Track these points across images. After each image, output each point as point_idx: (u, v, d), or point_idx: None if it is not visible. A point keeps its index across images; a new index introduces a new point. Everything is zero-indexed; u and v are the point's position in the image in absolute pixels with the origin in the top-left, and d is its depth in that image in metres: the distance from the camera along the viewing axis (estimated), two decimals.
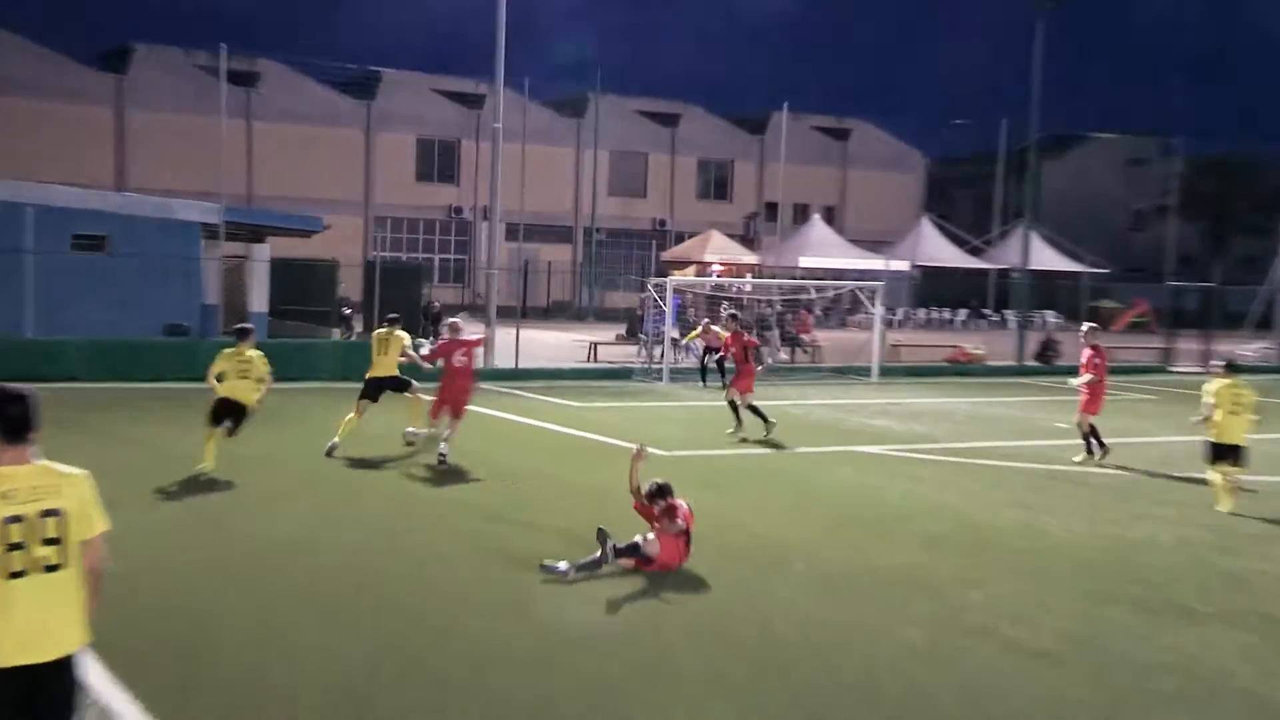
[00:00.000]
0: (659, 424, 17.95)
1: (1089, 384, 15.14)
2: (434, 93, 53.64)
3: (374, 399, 14.38)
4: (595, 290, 50.45)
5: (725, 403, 16.72)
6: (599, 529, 9.02)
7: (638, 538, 8.99)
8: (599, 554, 8.83)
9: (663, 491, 9.17)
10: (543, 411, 18.74)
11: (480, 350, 14.96)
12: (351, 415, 14.05)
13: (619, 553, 8.87)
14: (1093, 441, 15.03)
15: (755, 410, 16.30)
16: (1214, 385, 12.27)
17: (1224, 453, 12.20)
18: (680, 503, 9.15)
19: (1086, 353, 15.33)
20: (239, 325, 13.14)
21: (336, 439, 13.73)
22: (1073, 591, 9.12)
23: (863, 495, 12.67)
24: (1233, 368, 12.52)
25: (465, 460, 13.97)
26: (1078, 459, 15.02)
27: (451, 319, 15.03)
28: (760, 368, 16.66)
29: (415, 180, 53.11)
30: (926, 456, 15.51)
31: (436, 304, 27.18)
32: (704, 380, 23.62)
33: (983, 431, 18.38)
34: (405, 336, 14.65)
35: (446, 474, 13.11)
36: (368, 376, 14.48)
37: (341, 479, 12.54)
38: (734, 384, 16.88)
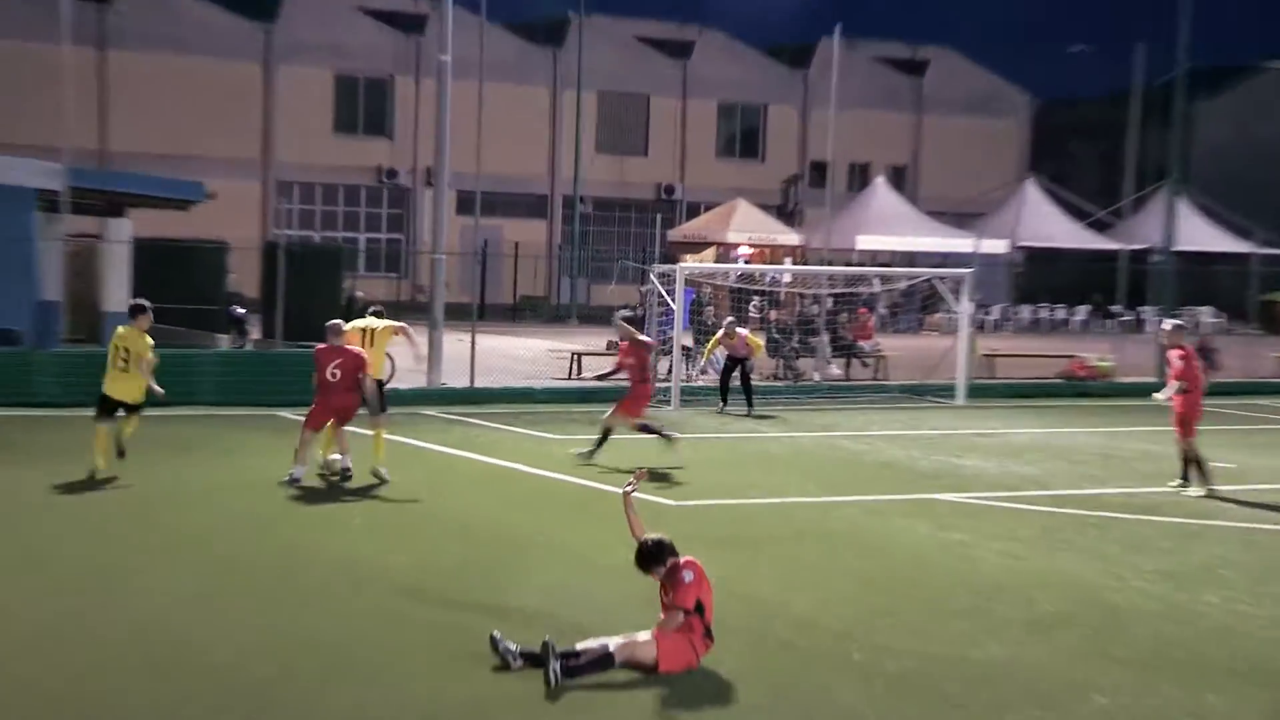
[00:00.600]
0: (667, 463, 17.95)
1: (1181, 393, 16.50)
2: (359, 12, 53.84)
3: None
4: (579, 282, 50.55)
5: (600, 432, 17.55)
6: (544, 642, 8.56)
7: (613, 642, 8.76)
8: (549, 671, 8.41)
9: (659, 553, 9.03)
10: (508, 447, 18.79)
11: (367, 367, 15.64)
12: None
13: (574, 670, 8.48)
14: (1194, 469, 16.50)
15: (604, 438, 17.19)
16: None
17: None
18: (686, 574, 8.95)
19: (1174, 356, 16.74)
20: (133, 302, 13.59)
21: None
22: (1239, 699, 9.04)
23: (945, 561, 12.65)
24: None
25: (404, 515, 13.98)
26: (1173, 484, 16.73)
27: (333, 320, 16.17)
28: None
29: (333, 132, 53.33)
30: (1033, 508, 15.52)
31: (361, 293, 27.10)
32: (724, 401, 23.68)
33: (1111, 474, 18.38)
34: (393, 326, 16.73)
35: (376, 530, 13.09)
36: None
37: (231, 535, 12.51)
38: (621, 407, 17.40)
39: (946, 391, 26.90)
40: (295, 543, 12.58)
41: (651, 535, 9.09)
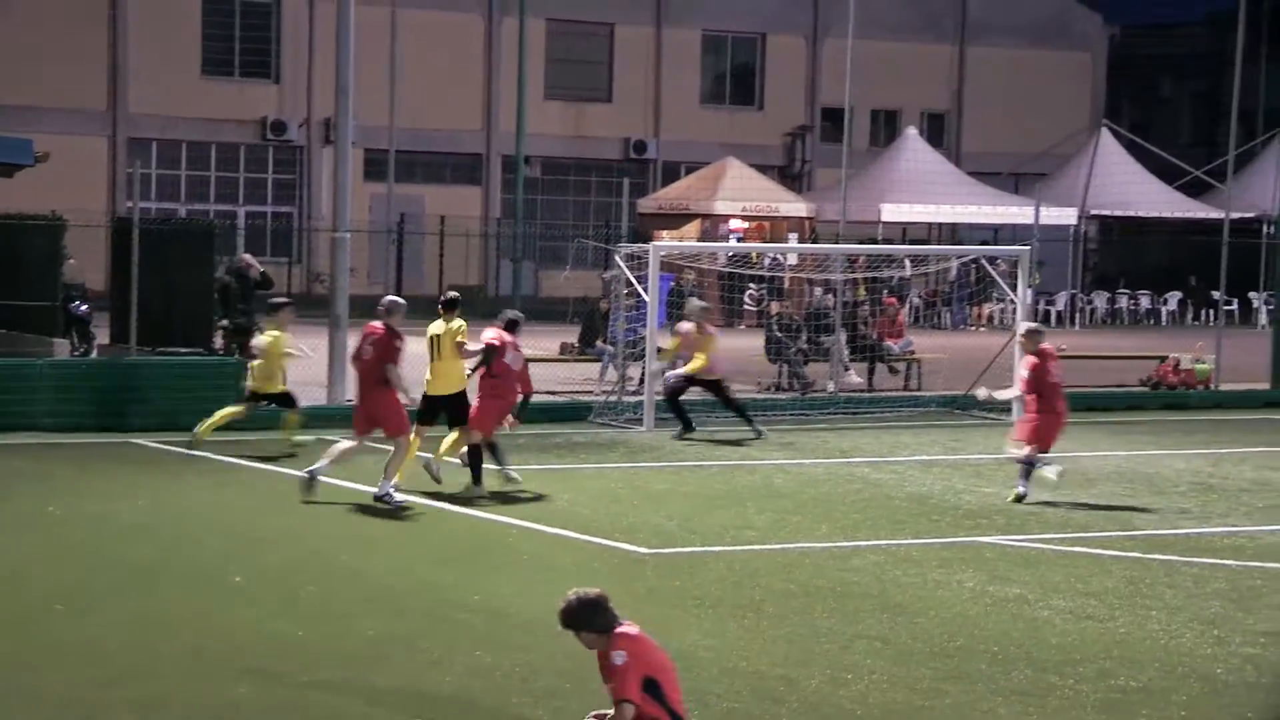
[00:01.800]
0: (636, 502, 17.97)
1: (1027, 404, 18.86)
2: None
3: (429, 422, 18.36)
4: (524, 267, 50.50)
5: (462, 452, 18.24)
6: None
7: None
8: None
9: (587, 615, 8.87)
10: (430, 481, 18.78)
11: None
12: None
13: None
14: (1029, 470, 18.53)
15: (477, 458, 17.87)
16: None
17: None
18: (616, 656, 8.78)
19: (1026, 364, 18.86)
20: None
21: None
22: None
23: (997, 624, 12.70)
24: None
25: (299, 573, 14.00)
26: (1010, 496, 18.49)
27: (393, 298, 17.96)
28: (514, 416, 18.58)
29: (200, 74, 53.19)
30: (1111, 553, 15.58)
31: (258, 266, 26.58)
32: (685, 425, 23.41)
33: (1213, 509, 18.48)
34: (462, 325, 18.26)
35: (260, 592, 13.08)
36: (424, 394, 18.35)
37: (48, 622, 12.48)
38: (474, 420, 17.90)
39: (998, 404, 26.94)
40: (144, 616, 12.55)
41: (584, 590, 8.93)
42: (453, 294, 18.91)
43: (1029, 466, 18.42)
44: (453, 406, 18.15)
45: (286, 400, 21.34)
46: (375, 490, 17.07)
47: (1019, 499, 18.20)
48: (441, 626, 12.22)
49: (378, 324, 17.49)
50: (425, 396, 18.33)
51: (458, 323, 18.25)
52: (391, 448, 17.30)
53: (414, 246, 48.34)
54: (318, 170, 53.25)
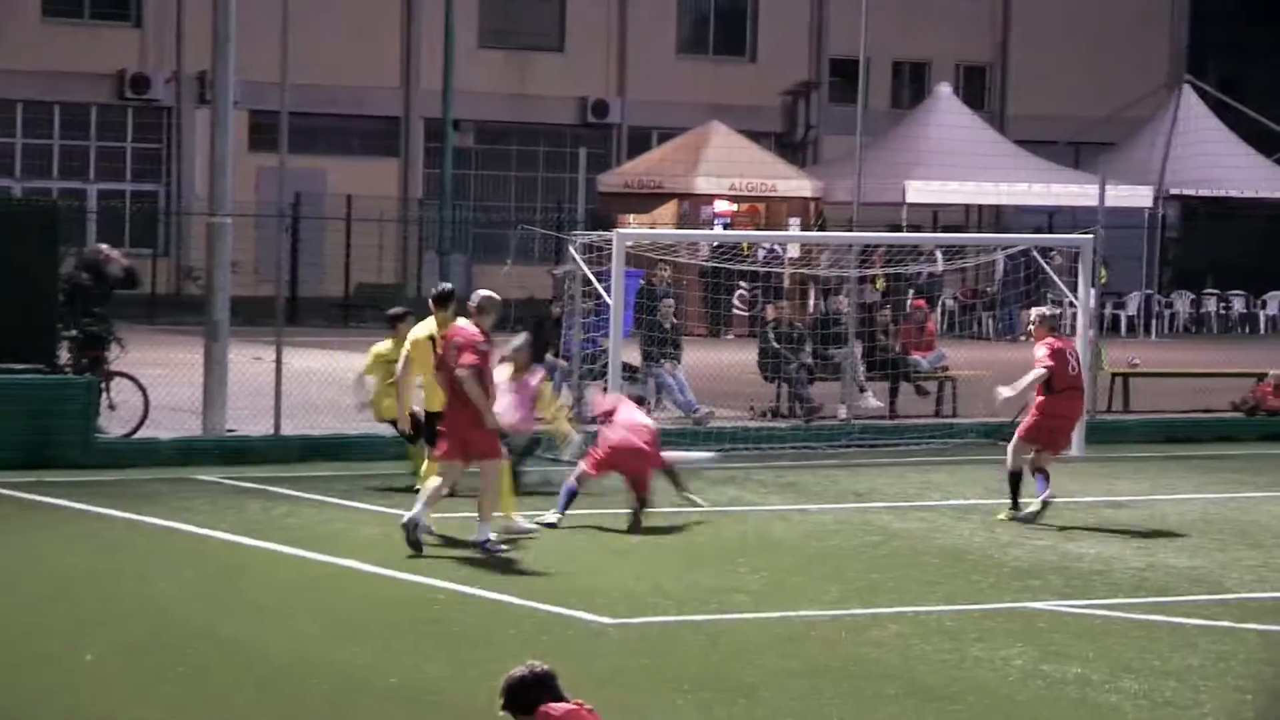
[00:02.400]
0: (597, 558, 17.99)
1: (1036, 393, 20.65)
2: None
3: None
4: (454, 260, 50.44)
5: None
6: None
7: None
8: None
9: (530, 693, 8.96)
10: (335, 533, 18.74)
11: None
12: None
13: None
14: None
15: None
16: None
17: None
18: None
19: (1040, 351, 20.71)
20: None
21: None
22: None
23: (1054, 713, 12.71)
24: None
25: (165, 649, 13.94)
26: (1001, 516, 20.36)
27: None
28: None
29: (41, 17, 53.03)
30: (1195, 622, 15.58)
31: (120, 260, 26.48)
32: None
33: None
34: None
35: (123, 672, 13.04)
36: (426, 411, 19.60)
37: None
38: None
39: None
40: None
41: (535, 664, 9.05)
42: (446, 286, 19.93)
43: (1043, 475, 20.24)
44: None
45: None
46: (474, 538, 17.73)
47: (1025, 516, 19.89)
48: (352, 717, 12.17)
49: (467, 325, 17.80)
50: (428, 414, 19.25)
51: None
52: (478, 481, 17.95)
53: (313, 234, 48.25)
54: (190, 138, 53.18)
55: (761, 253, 38.65)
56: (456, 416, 17.78)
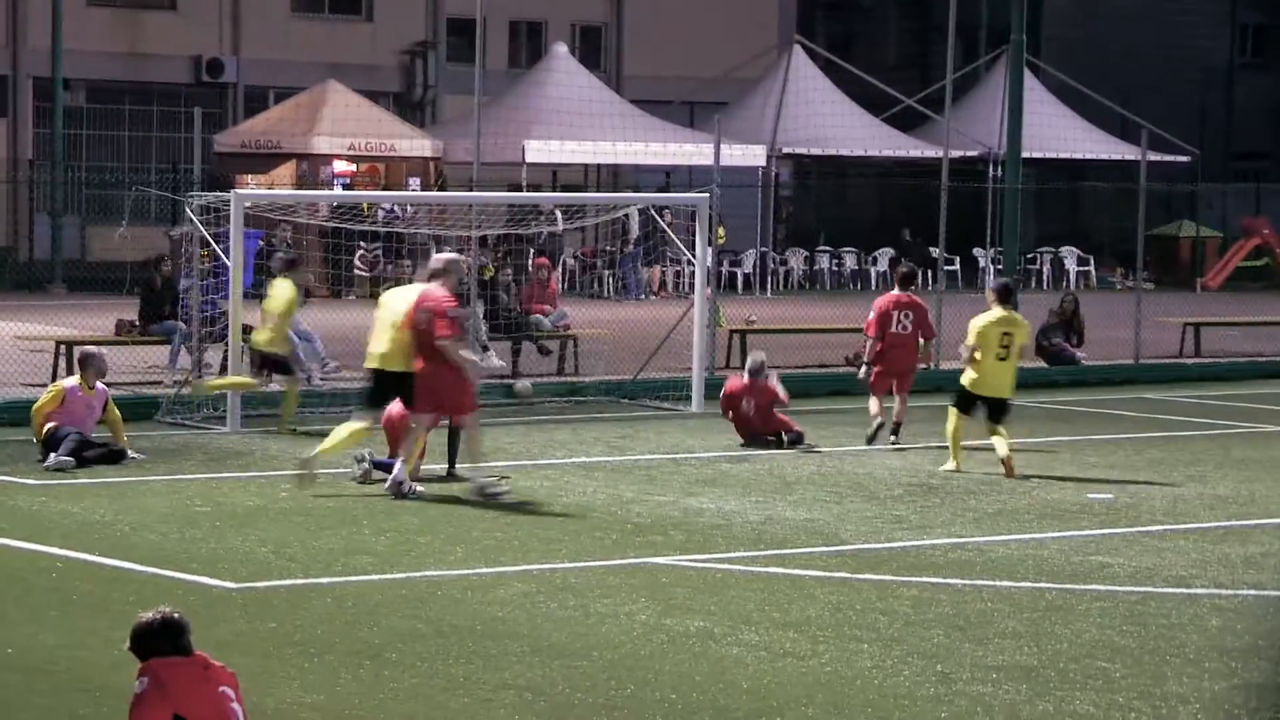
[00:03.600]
0: (219, 523, 17.82)
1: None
2: None
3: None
4: (67, 223, 49.48)
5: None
6: None
7: None
8: None
9: (147, 640, 8.81)
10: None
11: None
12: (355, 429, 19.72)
13: None
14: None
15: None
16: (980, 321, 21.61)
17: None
18: (138, 684, 8.75)
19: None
20: None
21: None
22: None
23: (676, 665, 12.86)
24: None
25: None
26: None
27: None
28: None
29: None
30: (814, 573, 15.92)
31: None
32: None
33: (937, 516, 19.07)
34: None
35: None
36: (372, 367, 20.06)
37: None
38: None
39: (676, 390, 27.37)
40: None
41: (164, 611, 8.92)
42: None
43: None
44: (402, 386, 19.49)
45: (287, 368, 23.78)
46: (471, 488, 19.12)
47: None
48: None
49: (436, 288, 19.09)
50: (389, 374, 19.66)
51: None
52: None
53: None
54: None
55: (381, 213, 38.40)
56: (433, 375, 18.95)
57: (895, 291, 24.12)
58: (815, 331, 33.69)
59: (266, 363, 24.02)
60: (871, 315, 23.73)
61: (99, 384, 21.19)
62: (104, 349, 23.20)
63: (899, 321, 23.64)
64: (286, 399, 23.88)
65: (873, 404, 23.53)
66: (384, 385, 19.58)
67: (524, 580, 15.51)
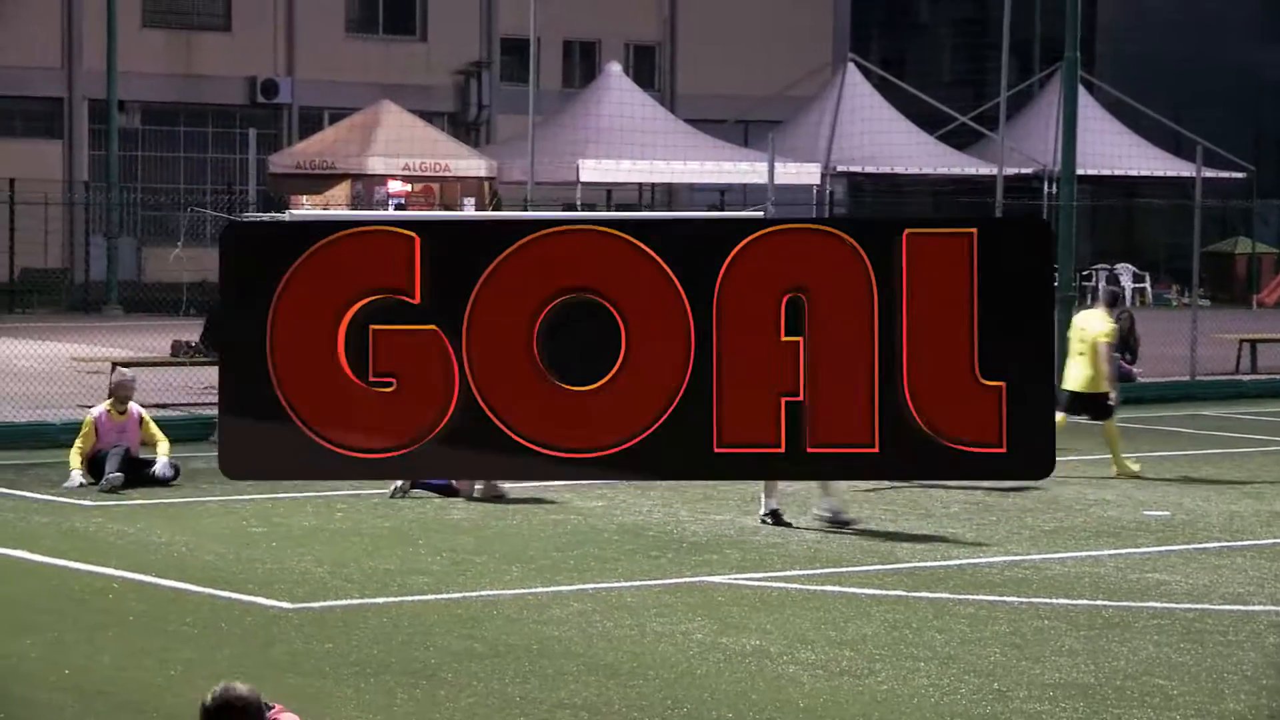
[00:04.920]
0: (275, 543, 17.85)
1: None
2: None
3: None
4: (123, 245, 49.61)
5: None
6: None
7: None
8: None
9: (236, 715, 8.71)
10: (6, 523, 18.47)
11: None
12: None
13: None
14: None
15: None
16: None
17: None
18: None
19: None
20: None
21: None
22: None
23: (733, 684, 12.82)
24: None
25: None
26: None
27: None
28: None
29: None
30: (870, 592, 15.89)
31: None
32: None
33: (993, 534, 18.99)
34: None
35: None
36: None
37: None
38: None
39: None
40: None
41: (233, 686, 8.77)
42: None
43: None
44: None
45: None
46: None
47: None
48: (19, 712, 11.95)
49: None
50: None
51: None
52: None
53: None
54: None
55: None
56: None
57: None
58: None
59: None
60: None
61: (132, 404, 21.19)
62: (156, 369, 23.25)
63: None
64: None
65: None
66: None
67: (580, 599, 15.49)
